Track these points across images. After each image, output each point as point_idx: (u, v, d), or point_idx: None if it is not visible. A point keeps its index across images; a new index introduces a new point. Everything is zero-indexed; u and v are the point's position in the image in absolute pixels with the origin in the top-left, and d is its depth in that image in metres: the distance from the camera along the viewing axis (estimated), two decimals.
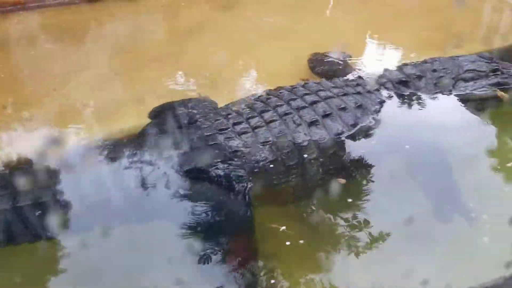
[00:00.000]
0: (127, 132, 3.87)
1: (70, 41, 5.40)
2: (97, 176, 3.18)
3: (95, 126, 4.09)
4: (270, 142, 3.17)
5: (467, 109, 3.92)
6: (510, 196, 3.29)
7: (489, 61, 4.10)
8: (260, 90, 4.34)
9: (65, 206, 2.95)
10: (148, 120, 3.76)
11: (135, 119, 4.06)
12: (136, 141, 3.36)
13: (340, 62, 4.70)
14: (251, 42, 5.37)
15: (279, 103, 3.42)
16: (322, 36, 5.47)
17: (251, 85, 4.56)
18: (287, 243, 2.87)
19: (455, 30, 5.52)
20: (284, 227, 2.93)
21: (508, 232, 2.97)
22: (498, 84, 3.96)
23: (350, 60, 4.81)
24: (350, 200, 3.20)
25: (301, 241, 2.90)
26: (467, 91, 3.95)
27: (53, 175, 3.11)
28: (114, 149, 3.41)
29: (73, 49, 5.24)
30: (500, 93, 3.94)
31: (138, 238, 2.97)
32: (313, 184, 3.28)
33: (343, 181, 3.25)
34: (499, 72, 3.99)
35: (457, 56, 4.21)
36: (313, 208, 3.20)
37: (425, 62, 4.13)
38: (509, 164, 3.53)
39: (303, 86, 3.68)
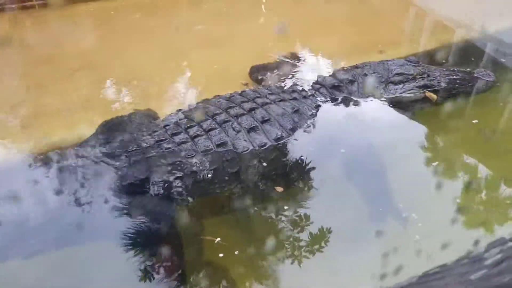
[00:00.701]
0: (54, 145, 3.70)
1: None
2: (28, 193, 3.00)
3: (20, 140, 3.85)
4: (211, 151, 3.12)
5: (397, 111, 4.01)
6: (436, 194, 3.37)
7: (416, 64, 4.24)
8: (195, 98, 4.29)
9: None
10: (78, 132, 3.62)
11: (63, 131, 3.91)
12: (72, 155, 3.20)
13: (280, 68, 4.70)
14: (183, 50, 5.28)
15: (218, 112, 3.38)
16: (256, 43, 5.47)
17: (185, 94, 4.45)
18: (220, 254, 2.80)
19: (379, 36, 5.67)
20: (219, 239, 2.86)
21: (436, 230, 3.05)
22: (425, 86, 4.09)
23: (297, 63, 4.85)
24: (286, 207, 3.16)
25: (236, 252, 2.84)
26: (397, 94, 4.07)
27: None
28: (47, 164, 3.23)
29: None
30: (429, 94, 4.07)
31: (71, 255, 2.82)
32: (253, 192, 3.23)
33: (280, 189, 3.22)
34: (425, 75, 4.13)
35: (386, 61, 4.32)
36: (250, 218, 3.14)
37: (356, 67, 4.21)
38: (434, 163, 3.63)
39: (240, 94, 3.67)
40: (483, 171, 3.62)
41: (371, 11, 6.49)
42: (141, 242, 2.88)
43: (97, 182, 2.98)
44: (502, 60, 5.04)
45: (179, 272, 2.73)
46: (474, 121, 4.02)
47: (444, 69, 4.36)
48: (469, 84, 4.23)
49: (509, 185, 3.46)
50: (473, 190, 3.50)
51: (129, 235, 2.88)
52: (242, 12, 6.30)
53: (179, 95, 4.44)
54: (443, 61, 4.93)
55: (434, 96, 4.06)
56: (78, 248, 2.84)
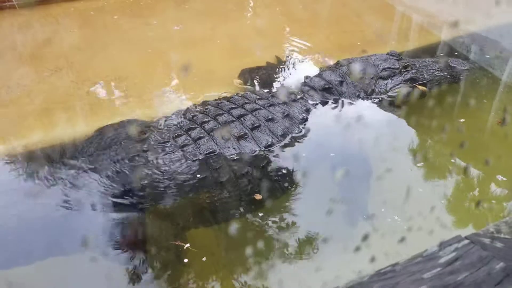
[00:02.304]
0: (32, 147, 3.63)
1: None
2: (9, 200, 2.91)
3: None
4: (199, 160, 3.04)
5: (388, 110, 3.94)
6: (423, 196, 3.28)
7: (398, 58, 4.18)
8: (179, 101, 4.24)
9: None
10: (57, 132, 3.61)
11: (42, 131, 3.85)
12: (57, 163, 3.17)
13: (269, 72, 4.62)
14: (165, 50, 5.22)
15: (206, 119, 3.30)
16: (240, 43, 5.42)
17: (169, 96, 4.38)
18: (185, 260, 2.72)
19: (361, 35, 5.65)
20: (188, 245, 2.76)
21: (421, 233, 2.94)
22: (411, 79, 4.04)
23: (284, 64, 4.79)
24: (261, 214, 3.03)
25: (204, 258, 2.75)
26: (388, 89, 3.98)
27: None
28: (26, 167, 3.23)
29: None
30: (420, 87, 4.04)
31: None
32: (236, 200, 3.10)
33: (259, 197, 3.08)
34: (409, 68, 4.08)
35: (369, 56, 4.24)
36: (227, 225, 3.03)
37: (341, 64, 4.11)
38: (419, 164, 3.53)
39: (228, 100, 3.58)
40: (469, 170, 3.54)
41: (353, 12, 6.46)
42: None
43: (83, 191, 2.91)
44: (487, 56, 5.01)
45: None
46: (461, 120, 3.96)
47: (421, 61, 4.33)
48: (446, 73, 4.23)
49: (497, 184, 3.41)
50: (460, 190, 3.44)
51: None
52: (226, 12, 6.25)
53: (162, 97, 4.37)
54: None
55: (425, 89, 4.05)
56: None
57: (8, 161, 3.46)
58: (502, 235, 1.50)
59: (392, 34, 5.91)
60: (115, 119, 3.92)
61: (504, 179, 3.37)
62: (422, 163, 3.58)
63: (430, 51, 5.06)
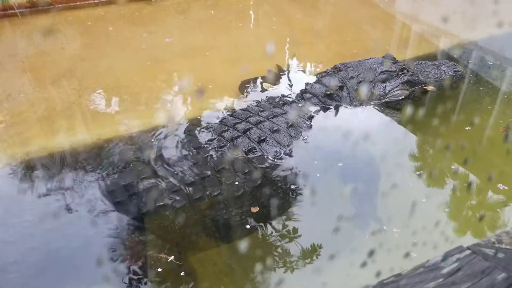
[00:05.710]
0: (33, 155, 3.61)
1: None
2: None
3: None
4: (208, 177, 3.00)
5: (389, 114, 3.93)
6: (424, 207, 3.22)
7: (393, 61, 4.17)
8: (179, 111, 4.24)
9: None
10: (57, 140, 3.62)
11: (42, 139, 3.85)
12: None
13: (270, 81, 4.60)
14: (165, 60, 5.22)
15: (212, 137, 3.29)
16: (239, 53, 5.44)
17: (168, 106, 4.38)
18: (159, 269, 2.66)
19: (362, 44, 5.71)
20: (172, 257, 2.72)
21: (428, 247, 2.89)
22: (408, 82, 4.03)
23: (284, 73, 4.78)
24: (248, 226, 2.96)
25: (182, 273, 2.68)
26: (387, 92, 3.97)
27: None
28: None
29: None
30: (429, 88, 4.07)
31: None
32: (242, 214, 3.02)
33: (256, 209, 3.03)
34: (405, 70, 4.08)
35: (364, 59, 4.23)
36: (228, 236, 3.00)
37: (339, 69, 4.10)
38: (420, 172, 3.51)
39: (231, 115, 3.56)
40: (471, 177, 3.54)
41: (353, 21, 6.51)
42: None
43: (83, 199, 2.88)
44: (490, 62, 5.04)
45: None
46: (467, 128, 3.96)
47: (414, 63, 4.36)
48: (439, 75, 4.24)
49: (495, 191, 3.40)
50: (462, 198, 3.42)
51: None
52: (227, 22, 6.29)
53: (163, 106, 4.37)
54: None
55: (433, 88, 4.08)
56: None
57: (8, 168, 3.45)
58: (503, 245, 1.50)
59: (392, 43, 5.95)
60: (116, 127, 3.95)
61: (506, 187, 3.36)
62: (423, 171, 3.56)
63: (429, 60, 5.10)
